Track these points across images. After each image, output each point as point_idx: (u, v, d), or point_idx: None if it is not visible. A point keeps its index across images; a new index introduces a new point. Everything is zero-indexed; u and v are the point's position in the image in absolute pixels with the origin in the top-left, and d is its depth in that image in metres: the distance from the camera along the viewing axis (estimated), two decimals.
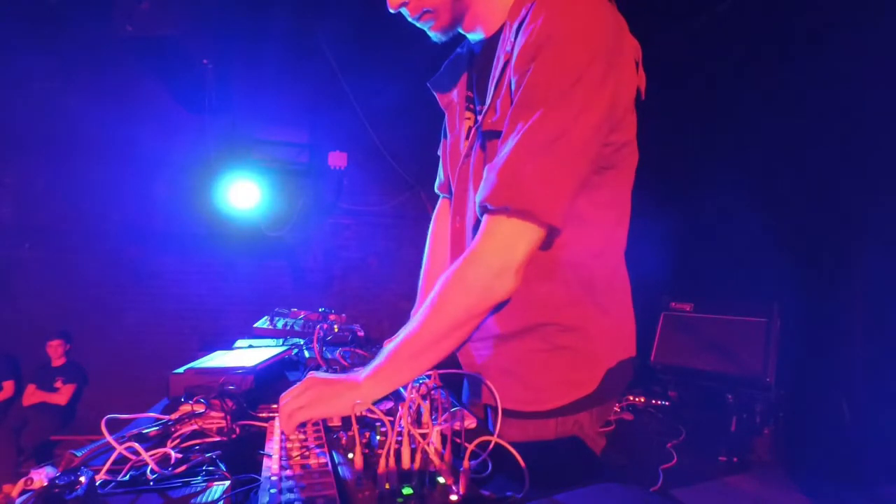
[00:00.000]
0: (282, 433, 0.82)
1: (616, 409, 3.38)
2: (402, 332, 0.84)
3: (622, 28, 0.81)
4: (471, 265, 0.80)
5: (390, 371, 0.81)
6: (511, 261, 0.78)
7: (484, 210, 0.80)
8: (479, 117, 0.91)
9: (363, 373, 0.82)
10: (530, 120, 0.76)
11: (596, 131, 0.78)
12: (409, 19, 0.93)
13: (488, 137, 0.88)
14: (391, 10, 0.91)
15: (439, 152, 1.22)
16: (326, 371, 1.19)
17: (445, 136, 1.16)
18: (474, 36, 0.97)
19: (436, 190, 1.27)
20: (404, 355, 0.81)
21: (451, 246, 1.04)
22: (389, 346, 0.83)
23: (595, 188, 0.86)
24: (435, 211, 1.30)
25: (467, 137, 0.98)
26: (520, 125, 0.77)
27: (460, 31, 0.97)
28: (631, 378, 0.96)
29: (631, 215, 0.96)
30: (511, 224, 0.77)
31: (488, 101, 0.88)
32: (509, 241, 0.78)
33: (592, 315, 0.89)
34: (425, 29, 0.94)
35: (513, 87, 0.81)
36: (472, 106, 1.01)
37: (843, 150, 3.18)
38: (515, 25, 0.82)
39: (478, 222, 0.93)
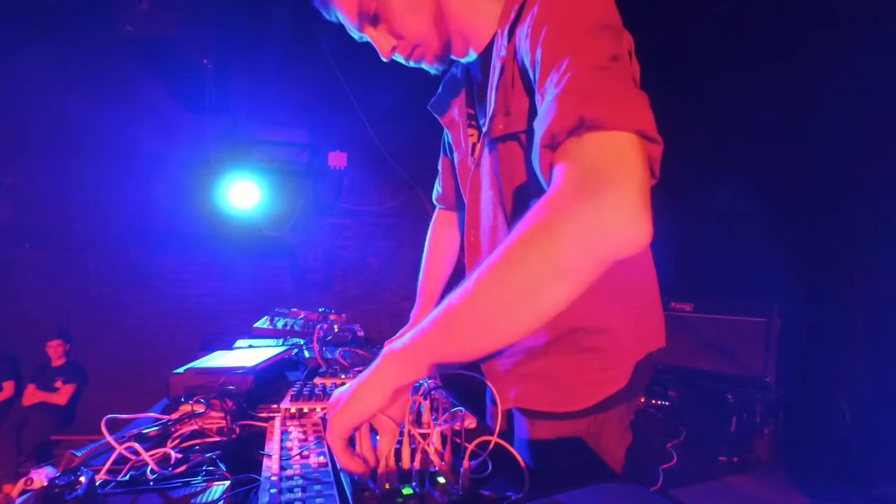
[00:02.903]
0: (282, 432, 0.83)
1: None
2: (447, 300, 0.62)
3: (618, 12, 0.75)
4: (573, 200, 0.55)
5: (422, 350, 0.62)
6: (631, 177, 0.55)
7: (551, 147, 0.61)
8: (485, 127, 0.89)
9: (391, 348, 0.65)
10: (565, 57, 0.64)
11: (632, 72, 0.68)
12: (404, 62, 0.91)
13: (501, 140, 0.85)
14: (385, 60, 0.90)
15: (439, 166, 1.25)
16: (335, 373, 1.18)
17: (446, 153, 1.17)
18: (468, 58, 0.95)
19: (433, 200, 1.31)
20: (460, 325, 0.60)
21: (468, 259, 1.03)
22: (434, 312, 0.63)
23: None
24: (432, 221, 1.34)
25: (473, 153, 0.97)
26: (553, 72, 0.64)
27: (454, 58, 0.95)
28: (653, 368, 0.95)
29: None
30: (600, 139, 0.57)
31: (491, 108, 0.85)
32: (609, 162, 0.56)
33: (616, 314, 0.87)
34: (422, 66, 0.93)
35: (528, 67, 0.73)
36: (474, 122, 1.00)
37: (844, 149, 3.19)
38: (507, 29, 0.80)
39: (493, 231, 0.92)
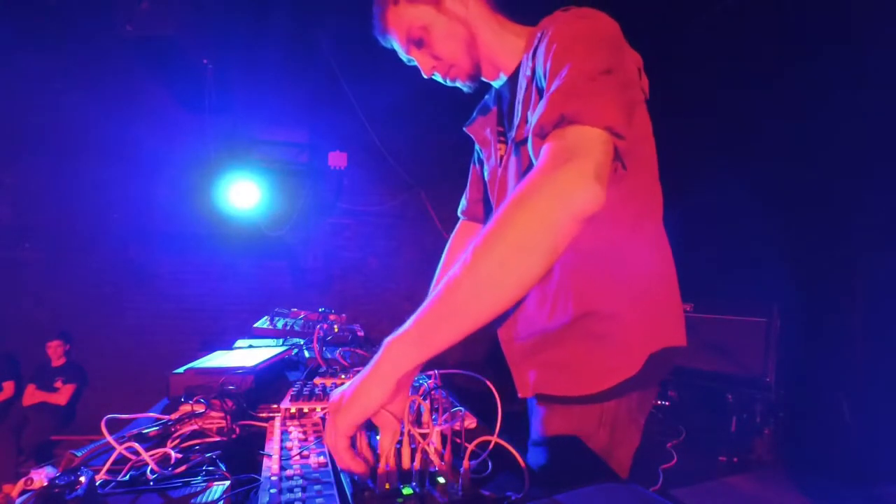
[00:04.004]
0: (282, 432, 0.83)
1: None
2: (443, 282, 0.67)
3: (623, 37, 0.89)
4: (541, 176, 0.70)
5: (426, 327, 0.64)
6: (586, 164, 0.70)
7: (540, 136, 0.77)
8: (512, 134, 0.99)
9: (392, 336, 0.67)
10: (566, 66, 0.79)
11: (629, 83, 0.84)
12: (442, 81, 1.08)
13: (522, 143, 0.93)
14: (426, 77, 1.07)
15: (468, 178, 1.36)
16: (334, 374, 1.18)
17: (475, 164, 1.31)
18: (498, 82, 1.09)
19: (458, 213, 1.40)
20: (455, 302, 0.64)
21: None
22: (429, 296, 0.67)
23: (614, 182, 0.86)
24: (453, 232, 1.41)
25: (501, 163, 1.07)
26: (556, 79, 0.79)
27: (485, 80, 1.09)
28: (671, 366, 0.99)
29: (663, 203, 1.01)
30: (574, 131, 0.73)
31: (517, 118, 0.95)
32: (577, 146, 0.72)
33: (624, 302, 0.93)
34: (457, 84, 1.08)
35: (542, 78, 0.86)
36: (503, 138, 1.11)
37: (843, 149, 3.19)
38: (531, 52, 0.91)
39: None
